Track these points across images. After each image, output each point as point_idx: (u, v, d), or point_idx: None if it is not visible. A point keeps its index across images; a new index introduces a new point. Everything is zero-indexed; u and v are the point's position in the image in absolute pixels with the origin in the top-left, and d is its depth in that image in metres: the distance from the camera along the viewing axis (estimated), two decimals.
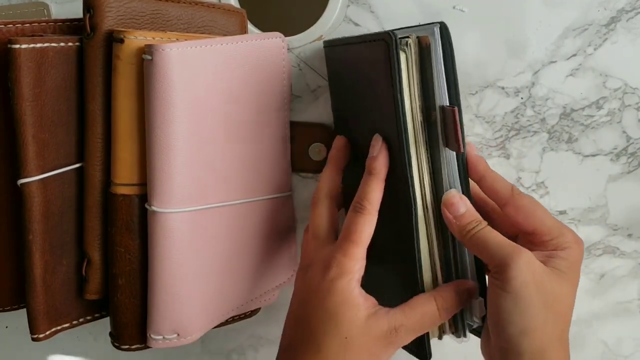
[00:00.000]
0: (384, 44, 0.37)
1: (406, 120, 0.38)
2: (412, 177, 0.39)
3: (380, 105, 0.40)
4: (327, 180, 0.44)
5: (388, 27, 0.52)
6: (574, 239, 0.39)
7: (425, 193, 0.40)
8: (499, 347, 0.37)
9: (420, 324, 0.37)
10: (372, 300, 0.39)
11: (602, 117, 0.51)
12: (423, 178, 0.40)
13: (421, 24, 0.40)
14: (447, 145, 0.39)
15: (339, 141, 0.46)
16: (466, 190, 0.40)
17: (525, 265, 0.36)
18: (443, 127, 0.39)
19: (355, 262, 0.39)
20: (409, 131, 0.39)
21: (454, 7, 0.51)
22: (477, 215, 0.38)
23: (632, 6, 0.49)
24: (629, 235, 0.52)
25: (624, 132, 0.51)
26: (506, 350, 0.37)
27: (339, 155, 0.45)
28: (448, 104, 0.39)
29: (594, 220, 0.52)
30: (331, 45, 0.48)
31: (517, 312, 0.36)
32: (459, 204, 0.38)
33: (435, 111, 0.39)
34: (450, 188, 0.40)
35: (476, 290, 0.40)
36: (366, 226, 0.39)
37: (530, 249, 0.38)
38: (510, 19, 0.50)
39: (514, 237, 0.41)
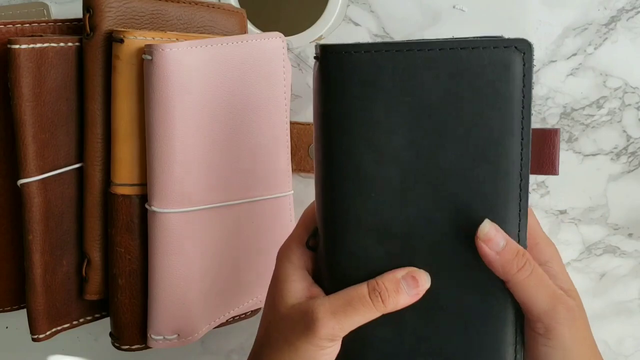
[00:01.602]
0: (517, 52, 0.32)
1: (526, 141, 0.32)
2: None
3: (480, 124, 0.32)
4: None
5: (388, 27, 0.52)
6: (568, 314, 0.33)
7: None
8: None
9: (345, 307, 0.32)
10: (313, 290, 0.34)
11: (602, 117, 0.51)
12: None
13: (493, 36, 0.33)
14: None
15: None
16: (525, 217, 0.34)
17: (569, 321, 0.32)
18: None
19: (295, 247, 0.36)
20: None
21: (454, 7, 0.51)
22: (518, 247, 0.33)
23: (632, 5, 0.49)
24: (630, 235, 0.52)
25: (624, 131, 0.51)
26: None
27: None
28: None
29: (595, 220, 0.52)
30: (369, 51, 0.31)
31: None
32: (497, 237, 0.32)
33: None
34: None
35: (424, 277, 0.33)
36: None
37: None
38: (510, 18, 0.50)
39: None
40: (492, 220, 0.32)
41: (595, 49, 0.50)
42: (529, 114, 0.32)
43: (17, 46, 0.40)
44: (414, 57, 0.31)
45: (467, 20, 0.50)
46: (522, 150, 0.32)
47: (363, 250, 0.33)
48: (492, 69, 0.31)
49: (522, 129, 0.32)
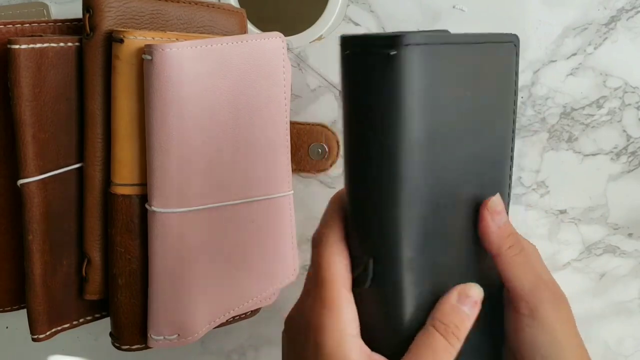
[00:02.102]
0: (513, 47, 0.36)
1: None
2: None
3: (495, 110, 0.35)
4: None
5: (388, 27, 0.52)
6: (552, 297, 0.33)
7: None
8: None
9: None
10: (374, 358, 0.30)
11: (602, 117, 0.51)
12: None
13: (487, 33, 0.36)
14: None
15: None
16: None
17: (553, 304, 0.33)
18: None
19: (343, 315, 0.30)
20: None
21: (453, 7, 0.51)
22: (513, 229, 0.34)
23: (632, 5, 0.49)
24: (630, 235, 0.52)
25: (624, 131, 0.51)
26: None
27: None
28: None
29: (595, 220, 0.52)
30: (434, 44, 0.30)
31: (553, 350, 0.32)
32: (503, 213, 0.33)
33: None
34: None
35: (476, 290, 0.32)
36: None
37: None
38: (510, 18, 0.50)
39: None
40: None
41: (595, 48, 0.50)
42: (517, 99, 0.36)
43: (17, 46, 0.40)
44: (457, 49, 0.32)
45: (467, 20, 0.51)
46: (513, 134, 0.36)
47: (420, 268, 0.30)
48: (501, 62, 0.35)
49: (514, 112, 0.36)
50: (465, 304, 0.31)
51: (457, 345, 0.30)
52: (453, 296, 0.31)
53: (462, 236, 0.33)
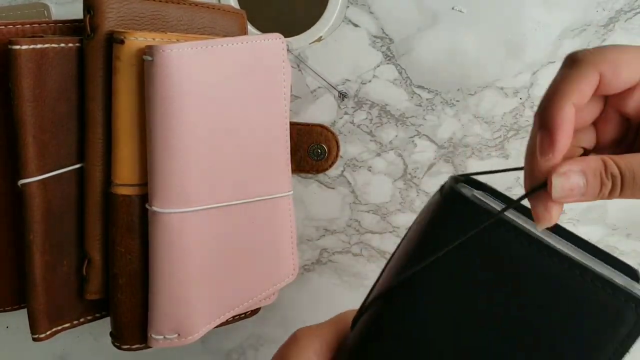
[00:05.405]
0: (632, 311, 0.27)
1: None
2: None
3: (554, 349, 0.29)
4: None
5: (388, 29, 0.52)
6: None
7: None
8: None
9: None
10: None
11: None
12: None
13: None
14: None
15: None
16: None
17: None
18: None
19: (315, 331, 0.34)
20: None
21: (452, 8, 0.51)
22: None
23: (631, 7, 0.49)
24: (628, 235, 0.52)
25: None
26: None
27: None
28: None
29: (593, 220, 0.52)
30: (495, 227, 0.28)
31: None
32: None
33: None
34: None
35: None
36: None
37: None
38: (509, 19, 0.50)
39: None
40: None
41: None
42: None
43: (17, 47, 0.40)
44: (530, 255, 0.28)
45: (466, 21, 0.51)
46: None
47: None
48: (596, 311, 0.28)
49: None
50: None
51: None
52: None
53: None
